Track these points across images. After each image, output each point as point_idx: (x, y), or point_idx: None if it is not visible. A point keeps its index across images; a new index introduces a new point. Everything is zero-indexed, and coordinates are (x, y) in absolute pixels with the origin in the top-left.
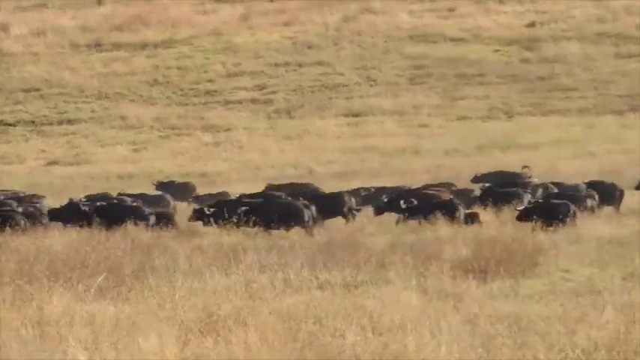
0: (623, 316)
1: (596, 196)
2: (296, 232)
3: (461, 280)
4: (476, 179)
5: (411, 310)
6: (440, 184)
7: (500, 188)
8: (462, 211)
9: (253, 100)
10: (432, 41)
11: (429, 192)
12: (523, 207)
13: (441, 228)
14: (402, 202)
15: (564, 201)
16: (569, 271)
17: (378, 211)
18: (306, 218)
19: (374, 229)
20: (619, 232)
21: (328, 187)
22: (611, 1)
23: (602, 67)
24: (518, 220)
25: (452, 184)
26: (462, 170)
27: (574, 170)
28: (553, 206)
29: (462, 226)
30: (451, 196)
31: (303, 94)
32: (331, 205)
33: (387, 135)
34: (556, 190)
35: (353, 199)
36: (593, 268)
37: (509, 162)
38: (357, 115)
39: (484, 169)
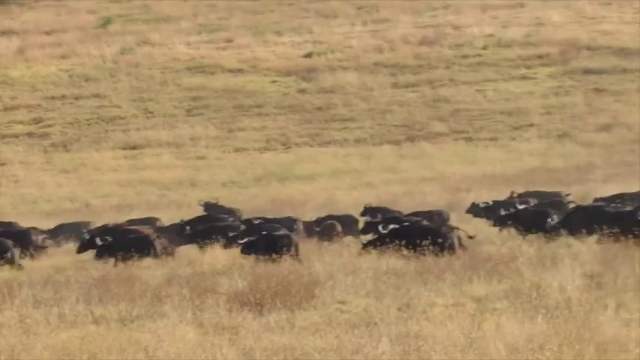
0: (398, 346)
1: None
2: (72, 266)
3: (237, 313)
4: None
5: (187, 343)
6: (143, 220)
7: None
8: (158, 247)
9: (29, 134)
10: (209, 72)
11: (130, 228)
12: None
13: (218, 261)
14: (97, 239)
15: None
16: (346, 302)
17: (81, 248)
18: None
19: (150, 262)
20: (395, 263)
21: (105, 220)
22: (388, 31)
23: (380, 97)
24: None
25: (156, 219)
26: (238, 202)
27: (352, 201)
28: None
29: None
30: (150, 232)
31: (80, 127)
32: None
33: (164, 167)
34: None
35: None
36: (369, 299)
37: (288, 193)
38: (134, 148)
39: (261, 200)
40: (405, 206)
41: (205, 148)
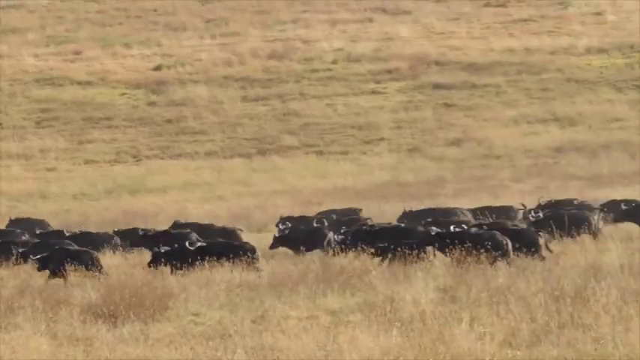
0: (254, 358)
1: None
2: None
3: (91, 325)
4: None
5: (42, 355)
6: None
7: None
8: None
9: None
10: (58, 84)
11: None
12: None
13: (69, 273)
14: None
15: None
16: (199, 314)
17: None
18: None
19: (3, 273)
20: (248, 276)
21: None
22: (237, 44)
23: (230, 110)
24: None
25: None
26: (89, 214)
27: (204, 214)
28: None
29: None
30: None
31: None
32: None
33: (13, 179)
34: None
35: None
36: (223, 312)
37: (139, 206)
38: None
39: (113, 213)
40: (257, 219)
41: (55, 160)
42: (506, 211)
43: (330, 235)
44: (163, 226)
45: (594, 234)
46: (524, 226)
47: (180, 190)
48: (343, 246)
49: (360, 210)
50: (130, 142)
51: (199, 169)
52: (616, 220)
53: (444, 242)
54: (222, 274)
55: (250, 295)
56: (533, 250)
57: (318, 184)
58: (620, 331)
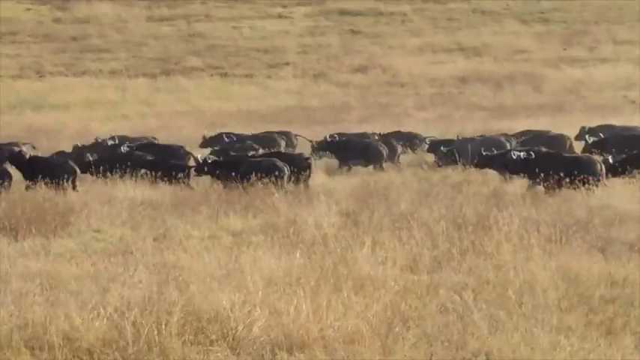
0: (155, 276)
1: None
2: None
3: None
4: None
5: None
6: None
7: None
8: None
9: None
10: None
11: None
12: None
13: None
14: None
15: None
16: (101, 231)
17: None
18: None
19: None
20: (151, 194)
21: None
22: None
23: (135, 30)
24: None
25: None
26: None
27: (107, 132)
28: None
29: None
30: None
31: None
32: None
33: None
34: None
35: None
36: (125, 229)
37: (42, 122)
38: None
39: (15, 128)
40: (162, 139)
41: None
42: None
43: None
44: (65, 143)
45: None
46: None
47: (84, 107)
48: None
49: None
50: (34, 58)
51: (103, 88)
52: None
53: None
54: (125, 191)
55: (152, 214)
56: None
57: (222, 107)
58: (520, 259)
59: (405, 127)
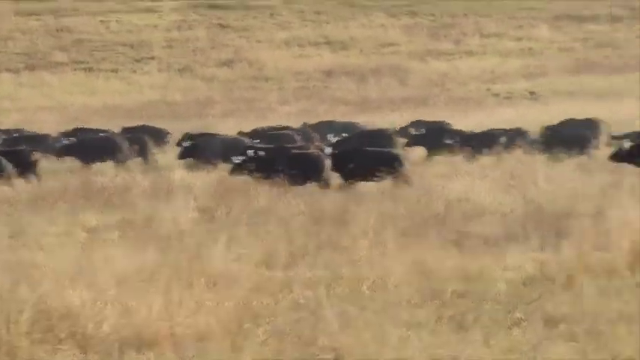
0: (8, 274)
1: None
2: None
3: None
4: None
5: None
6: None
7: None
8: None
9: None
10: None
11: None
12: None
13: None
14: None
15: None
16: None
17: None
18: None
19: None
20: (7, 191)
21: None
22: None
23: (2, 24)
24: None
25: None
26: None
27: None
28: None
29: None
30: None
31: None
32: None
33: None
34: None
35: None
36: None
37: None
38: None
39: None
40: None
41: None
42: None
43: None
44: None
45: None
46: None
47: None
48: None
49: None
50: None
51: None
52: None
53: None
54: None
55: (9, 210)
56: None
57: (87, 101)
58: (376, 254)
59: (269, 122)
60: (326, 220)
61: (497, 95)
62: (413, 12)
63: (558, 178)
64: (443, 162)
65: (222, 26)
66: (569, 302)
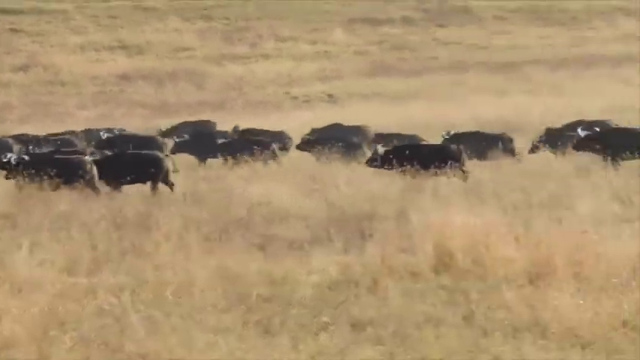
0: None
1: None
2: None
3: None
4: None
5: None
6: None
7: None
8: None
9: None
10: None
11: None
12: None
13: None
14: None
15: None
16: None
17: None
18: None
19: None
20: None
21: None
22: None
23: None
24: None
25: None
26: None
27: None
28: None
29: None
30: None
31: None
32: None
33: None
34: None
35: None
36: None
37: None
38: None
39: None
40: None
41: None
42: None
43: None
44: None
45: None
46: None
47: None
48: None
49: None
50: None
51: None
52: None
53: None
54: None
55: None
56: None
57: None
58: (180, 258)
59: (68, 127)
60: (129, 225)
61: (295, 98)
62: (207, 16)
63: (358, 182)
64: (243, 165)
65: (15, 31)
66: (375, 305)
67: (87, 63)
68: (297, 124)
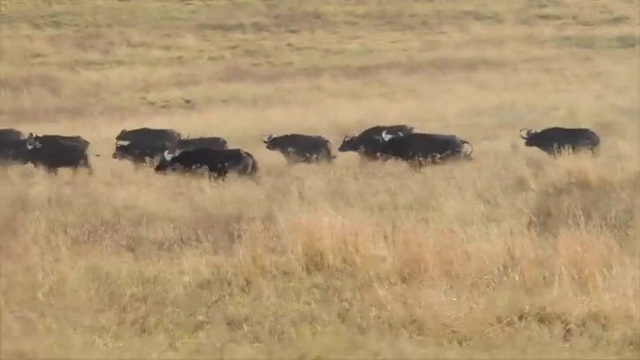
0: None
1: None
2: None
3: None
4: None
5: None
6: None
7: None
8: None
9: None
10: None
11: None
12: None
13: None
14: None
15: None
16: None
17: None
18: None
19: None
20: None
21: None
22: None
23: None
24: None
25: None
26: None
27: None
28: None
29: None
30: None
31: None
32: None
33: None
34: None
35: None
36: None
37: None
38: None
39: None
40: None
41: None
42: None
43: None
44: None
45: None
46: None
47: None
48: None
49: None
50: None
51: None
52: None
53: None
54: None
55: None
56: None
57: None
58: (50, 260)
59: None
60: None
61: (153, 104)
62: (57, 23)
63: (223, 185)
64: (107, 170)
65: None
66: (250, 304)
67: None
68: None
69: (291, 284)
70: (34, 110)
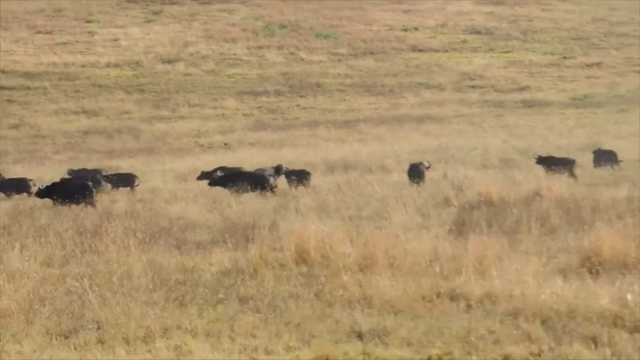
0: None
1: None
2: None
3: None
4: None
5: None
6: None
7: None
8: None
9: None
10: None
11: None
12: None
13: None
14: None
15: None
16: None
17: None
18: None
19: None
20: None
21: None
22: None
23: None
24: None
25: None
26: None
27: None
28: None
29: None
30: None
31: None
32: None
33: None
34: None
35: None
36: None
37: None
38: None
39: None
40: None
41: None
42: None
43: None
44: None
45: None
46: None
47: None
48: None
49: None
50: None
51: None
52: None
53: None
54: None
55: None
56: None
57: None
58: (123, 255)
59: (47, 167)
60: (87, 232)
61: (202, 146)
62: (141, 90)
63: (245, 202)
64: (166, 191)
65: (9, 101)
66: (255, 286)
67: (60, 122)
68: (204, 162)
69: (285, 273)
70: (121, 150)
